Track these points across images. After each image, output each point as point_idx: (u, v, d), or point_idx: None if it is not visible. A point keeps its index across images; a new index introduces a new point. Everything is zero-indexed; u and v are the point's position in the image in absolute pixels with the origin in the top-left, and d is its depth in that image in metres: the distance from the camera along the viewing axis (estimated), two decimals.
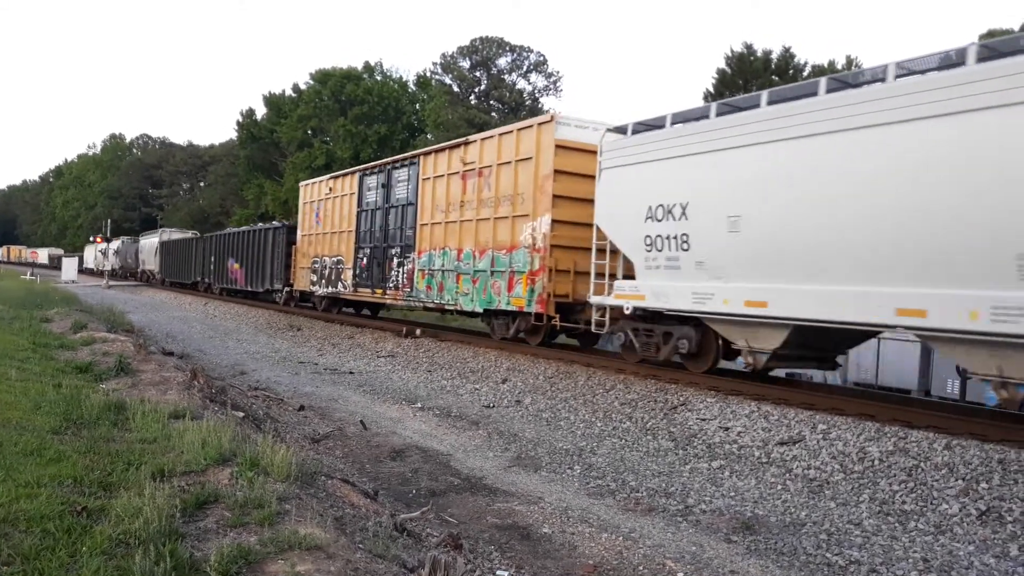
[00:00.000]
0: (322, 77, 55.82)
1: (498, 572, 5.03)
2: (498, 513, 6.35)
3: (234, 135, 67.27)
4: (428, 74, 54.34)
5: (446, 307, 15.87)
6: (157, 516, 3.82)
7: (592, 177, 11.99)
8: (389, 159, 19.48)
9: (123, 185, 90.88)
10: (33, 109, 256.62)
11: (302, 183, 24.83)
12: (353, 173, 20.68)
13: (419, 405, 11.16)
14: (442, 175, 15.96)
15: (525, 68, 50.63)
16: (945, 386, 16.14)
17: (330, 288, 21.57)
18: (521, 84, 50.76)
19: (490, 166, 14.32)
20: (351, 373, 14.22)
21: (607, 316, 11.64)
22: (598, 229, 11.62)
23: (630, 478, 7.53)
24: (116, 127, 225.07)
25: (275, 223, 29.58)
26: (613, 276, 11.59)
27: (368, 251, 19.20)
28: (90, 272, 60.46)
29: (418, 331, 17.43)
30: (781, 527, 6.23)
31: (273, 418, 8.97)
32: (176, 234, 46.40)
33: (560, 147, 12.72)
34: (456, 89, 50.17)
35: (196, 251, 37.30)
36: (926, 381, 16.83)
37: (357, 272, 19.77)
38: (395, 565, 3.93)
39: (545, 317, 12.79)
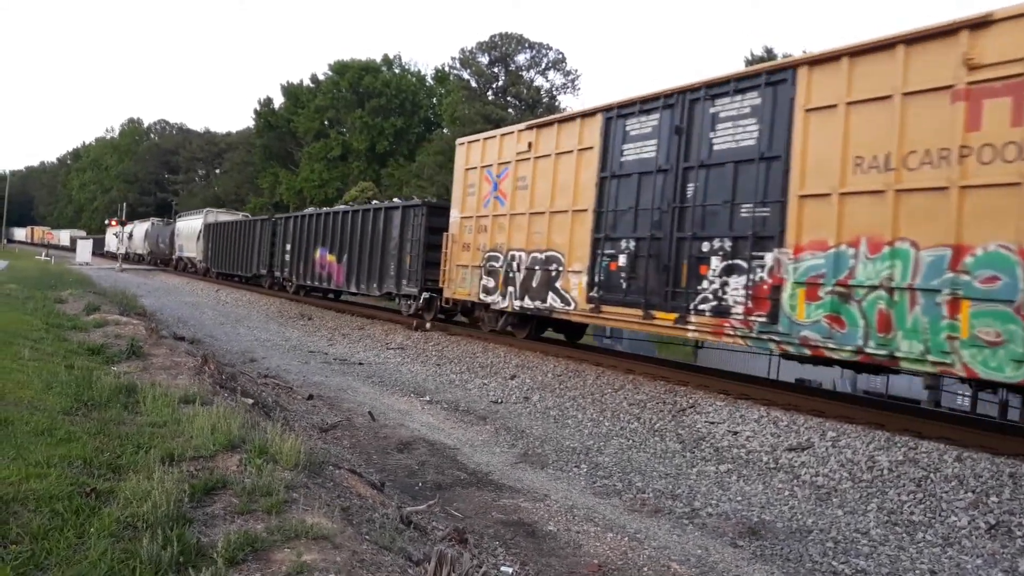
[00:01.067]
0: (340, 68, 56.12)
1: (503, 568, 5.02)
2: (504, 509, 6.34)
3: (251, 123, 67.76)
4: (446, 69, 54.56)
5: (903, 363, 7.97)
6: (165, 500, 3.84)
7: None
8: (696, 82, 10.81)
9: (139, 169, 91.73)
10: (52, 91, 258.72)
11: (462, 140, 16.50)
12: (589, 114, 12.64)
13: (427, 398, 11.16)
14: (877, 98, 8.34)
15: (543, 65, 50.74)
16: (956, 398, 16.01)
17: (531, 301, 13.62)
18: (539, 81, 50.86)
19: None
20: (360, 364, 14.25)
21: None
22: None
23: (637, 479, 7.51)
24: (134, 112, 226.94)
25: (398, 200, 22.32)
26: None
27: (632, 245, 11.56)
28: (112, 256, 57.76)
29: (428, 324, 17.45)
30: (788, 533, 6.20)
31: (282, 406, 9.00)
32: (224, 215, 38.50)
33: None
34: (474, 84, 50.24)
35: (260, 237, 29.25)
36: (936, 392, 16.71)
37: (600, 279, 12.07)
38: (401, 558, 3.93)
39: None
